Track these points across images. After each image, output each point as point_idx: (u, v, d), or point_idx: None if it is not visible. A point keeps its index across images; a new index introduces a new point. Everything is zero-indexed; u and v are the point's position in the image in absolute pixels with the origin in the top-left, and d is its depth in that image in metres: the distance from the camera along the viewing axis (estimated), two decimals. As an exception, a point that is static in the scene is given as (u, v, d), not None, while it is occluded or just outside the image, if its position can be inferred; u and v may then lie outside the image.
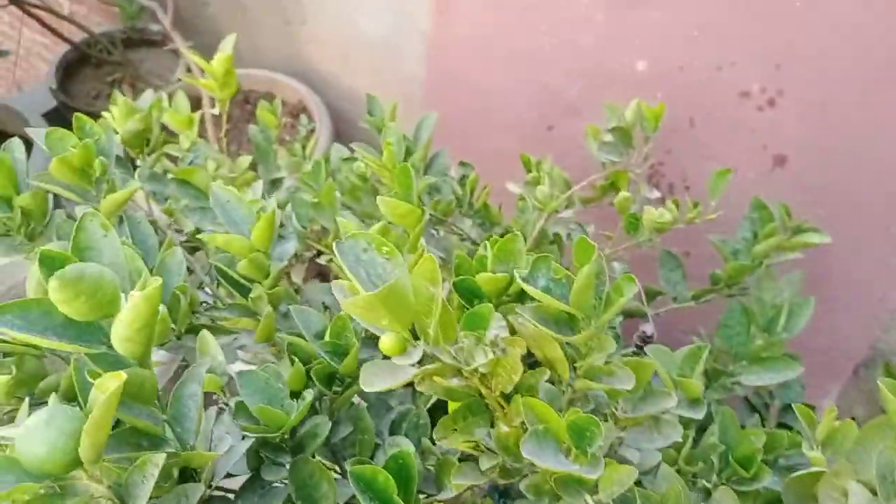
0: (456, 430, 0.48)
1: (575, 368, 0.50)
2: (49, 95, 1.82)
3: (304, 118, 1.59)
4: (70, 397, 0.59)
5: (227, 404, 0.56)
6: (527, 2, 1.20)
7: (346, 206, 1.00)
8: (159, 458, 0.40)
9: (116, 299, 0.40)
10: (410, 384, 0.76)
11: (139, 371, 0.41)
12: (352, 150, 1.03)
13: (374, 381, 0.39)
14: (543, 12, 1.19)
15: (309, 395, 0.53)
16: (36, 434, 0.37)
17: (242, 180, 1.05)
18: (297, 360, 0.58)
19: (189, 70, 1.84)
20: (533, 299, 0.48)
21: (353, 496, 0.59)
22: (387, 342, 0.40)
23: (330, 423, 0.57)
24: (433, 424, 0.66)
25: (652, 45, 1.12)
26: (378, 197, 0.58)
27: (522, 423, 0.47)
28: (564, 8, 1.17)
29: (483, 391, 0.48)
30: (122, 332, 0.40)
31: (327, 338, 0.60)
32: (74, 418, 0.38)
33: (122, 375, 0.37)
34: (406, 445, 0.61)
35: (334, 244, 0.39)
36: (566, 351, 0.49)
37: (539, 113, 1.29)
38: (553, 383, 0.52)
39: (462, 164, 0.93)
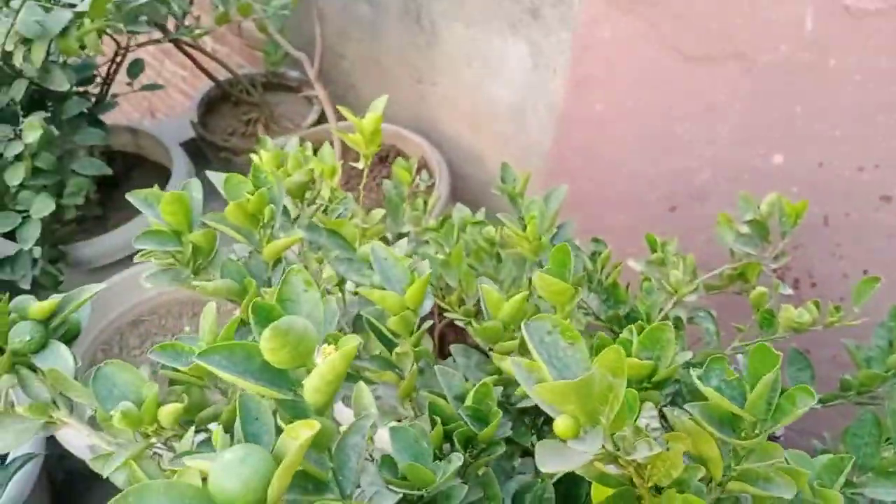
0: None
1: (727, 469, 0.50)
2: (185, 126, 1.94)
3: (424, 174, 1.64)
4: (227, 429, 0.62)
5: (371, 455, 0.58)
6: (665, 86, 1.22)
7: (469, 266, 1.02)
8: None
9: (312, 352, 0.43)
10: (528, 453, 0.76)
11: (325, 420, 0.43)
12: (473, 212, 1.06)
13: (549, 462, 0.40)
14: (681, 98, 1.21)
15: (457, 459, 0.54)
16: (232, 470, 0.39)
17: (373, 231, 1.09)
18: (437, 420, 0.60)
19: (321, 117, 1.94)
20: (695, 394, 0.48)
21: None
22: (562, 425, 0.41)
23: (466, 488, 0.58)
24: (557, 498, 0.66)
25: (792, 140, 1.11)
26: (537, 272, 0.60)
27: (674, 519, 0.47)
28: (703, 95, 1.18)
29: (636, 481, 0.48)
30: (315, 382, 0.42)
31: (469, 402, 0.61)
32: (266, 459, 0.40)
33: (316, 425, 0.40)
34: (535, 520, 0.61)
35: (523, 325, 0.41)
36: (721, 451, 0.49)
37: (663, 194, 1.30)
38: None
39: (595, 240, 0.94)
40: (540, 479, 0.67)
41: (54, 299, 0.58)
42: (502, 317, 0.70)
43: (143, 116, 3.32)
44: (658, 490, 0.49)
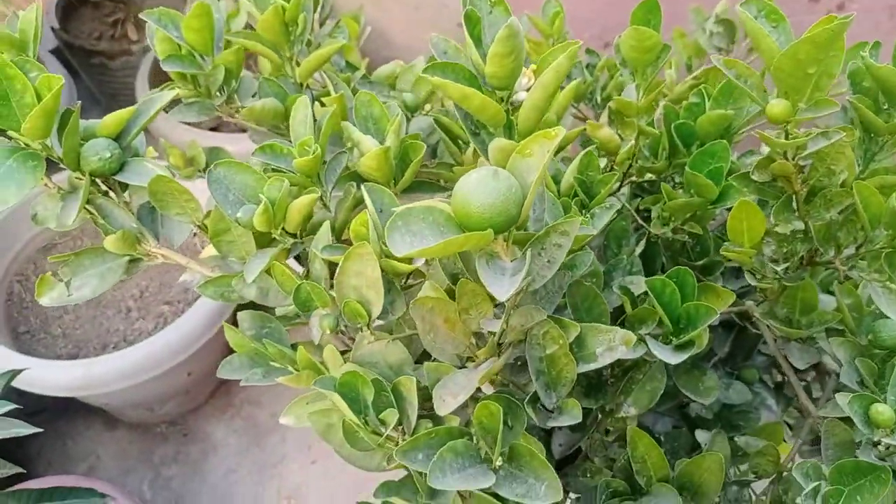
0: (779, 223, 0.50)
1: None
2: (49, 33, 1.73)
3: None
4: (340, 233, 0.58)
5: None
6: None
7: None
8: (571, 226, 0.40)
9: (519, 72, 0.40)
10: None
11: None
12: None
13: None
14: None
15: (613, 204, 0.54)
16: (485, 185, 0.37)
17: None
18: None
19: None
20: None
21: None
22: (779, 108, 0.42)
23: (591, 255, 0.58)
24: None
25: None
26: (629, 29, 0.59)
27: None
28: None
29: (794, 186, 0.50)
30: (535, 98, 0.40)
31: (576, 174, 0.61)
32: (510, 175, 0.38)
33: (561, 129, 0.37)
34: (642, 281, 0.62)
35: (739, 7, 0.41)
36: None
37: (597, 31, 1.32)
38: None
39: (589, 51, 0.94)
40: (626, 257, 0.68)
41: (124, 111, 0.50)
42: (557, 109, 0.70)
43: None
44: (810, 195, 0.51)
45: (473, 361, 0.46)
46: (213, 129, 1.52)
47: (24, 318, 1.30)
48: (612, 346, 0.44)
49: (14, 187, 0.45)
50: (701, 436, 0.66)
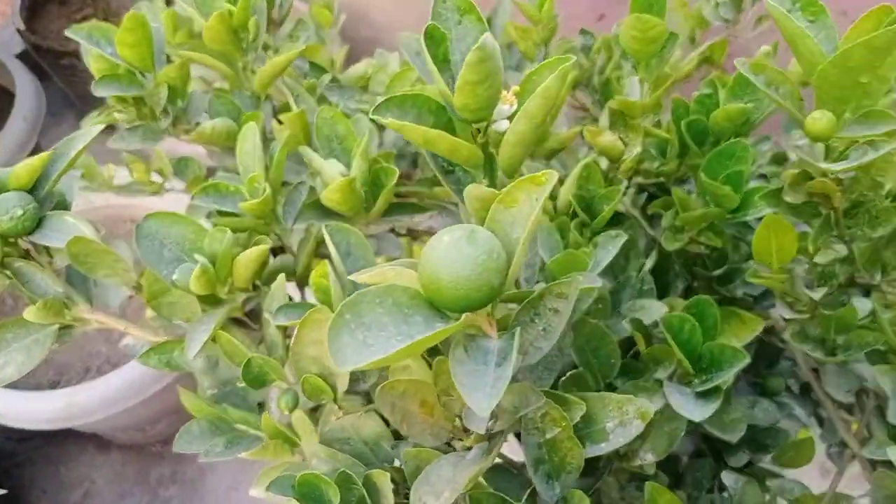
0: (818, 248, 0.42)
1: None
2: (7, 39, 1.64)
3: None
4: (305, 282, 0.51)
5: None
6: None
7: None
8: (571, 287, 0.33)
9: (500, 93, 0.32)
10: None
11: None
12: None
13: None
14: None
15: (616, 242, 0.46)
16: (457, 252, 0.29)
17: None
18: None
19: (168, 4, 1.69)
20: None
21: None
22: (822, 123, 0.33)
23: (600, 281, 0.50)
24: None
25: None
26: (629, 18, 0.50)
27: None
28: None
29: (834, 203, 0.42)
30: (520, 129, 0.32)
31: (575, 189, 0.53)
32: (490, 235, 0.30)
33: (555, 173, 0.30)
34: (656, 305, 0.55)
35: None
36: None
37: (590, 3, 1.23)
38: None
39: (583, 31, 0.85)
40: (635, 273, 0.61)
41: (37, 159, 0.43)
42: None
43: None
44: (850, 209, 0.43)
45: (461, 441, 0.38)
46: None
47: (3, 344, 1.23)
48: (625, 420, 0.36)
49: None
50: (728, 478, 0.59)
